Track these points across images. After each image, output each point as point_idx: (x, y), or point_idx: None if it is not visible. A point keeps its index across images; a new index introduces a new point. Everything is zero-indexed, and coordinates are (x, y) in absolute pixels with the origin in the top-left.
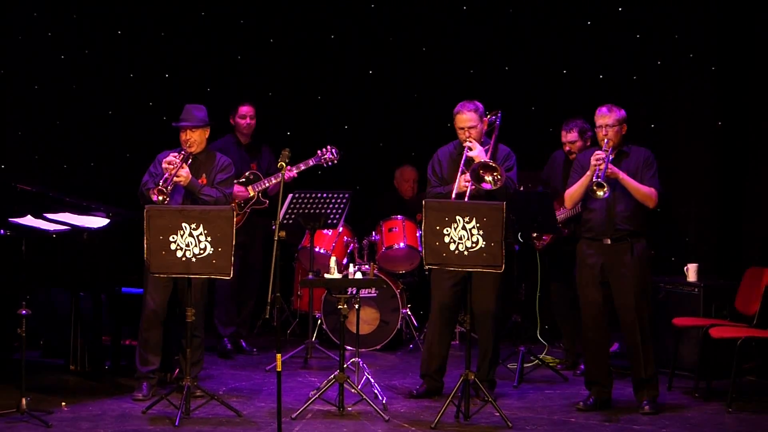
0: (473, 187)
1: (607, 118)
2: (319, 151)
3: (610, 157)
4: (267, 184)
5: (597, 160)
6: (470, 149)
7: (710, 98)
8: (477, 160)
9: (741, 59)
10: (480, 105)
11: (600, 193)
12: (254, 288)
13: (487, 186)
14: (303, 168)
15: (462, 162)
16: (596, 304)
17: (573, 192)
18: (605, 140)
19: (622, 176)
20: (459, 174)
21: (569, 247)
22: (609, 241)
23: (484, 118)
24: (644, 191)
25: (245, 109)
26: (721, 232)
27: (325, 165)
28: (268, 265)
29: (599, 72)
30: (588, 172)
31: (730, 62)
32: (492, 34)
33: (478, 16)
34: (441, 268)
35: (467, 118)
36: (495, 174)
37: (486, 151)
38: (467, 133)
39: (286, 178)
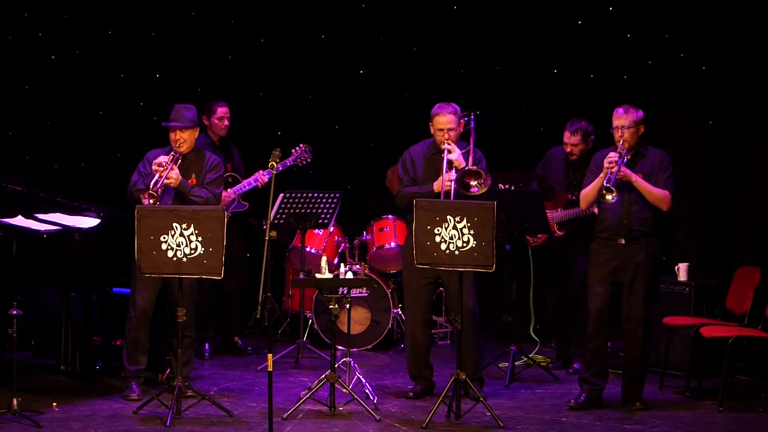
0: (456, 187)
1: (623, 119)
2: (293, 150)
3: (626, 159)
4: (247, 188)
5: (609, 163)
6: (450, 152)
7: (701, 98)
8: (456, 164)
9: (732, 59)
10: (457, 107)
11: (609, 197)
12: (238, 287)
13: (474, 190)
14: (281, 169)
15: (444, 166)
16: (601, 303)
17: (587, 192)
18: (621, 142)
19: (635, 179)
20: (444, 172)
21: (562, 248)
22: (623, 241)
23: (462, 120)
24: (657, 194)
25: (224, 110)
26: (712, 232)
27: (300, 164)
28: (254, 265)
29: (590, 71)
30: (601, 174)
31: (721, 62)
32: (482, 33)
33: (469, 15)
34: (412, 268)
35: (447, 120)
36: (479, 179)
37: (465, 154)
38: (446, 135)
39: (259, 184)
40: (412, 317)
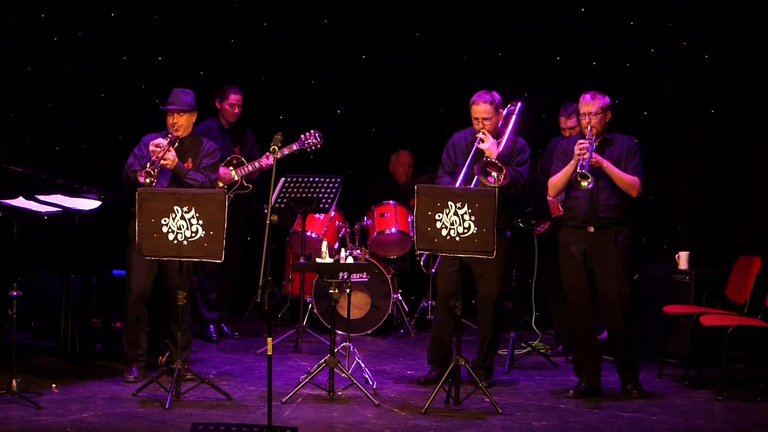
0: (477, 173)
1: (590, 105)
2: (302, 135)
3: (594, 146)
4: (250, 169)
5: (581, 149)
6: (482, 141)
7: (703, 86)
8: (488, 154)
9: (734, 47)
10: (497, 96)
11: (584, 183)
12: (234, 272)
13: (491, 180)
14: (287, 153)
15: (471, 153)
16: (582, 291)
17: (556, 181)
18: (588, 128)
19: (606, 165)
20: (470, 159)
21: None
22: (592, 229)
23: (501, 110)
24: (627, 180)
25: (236, 98)
26: (712, 221)
27: (308, 150)
28: (254, 249)
29: (592, 59)
30: (572, 161)
31: (723, 50)
32: (485, 20)
33: (472, 2)
34: (447, 256)
35: (482, 109)
36: (500, 174)
37: (498, 144)
38: (481, 124)
39: (264, 165)
40: (439, 304)
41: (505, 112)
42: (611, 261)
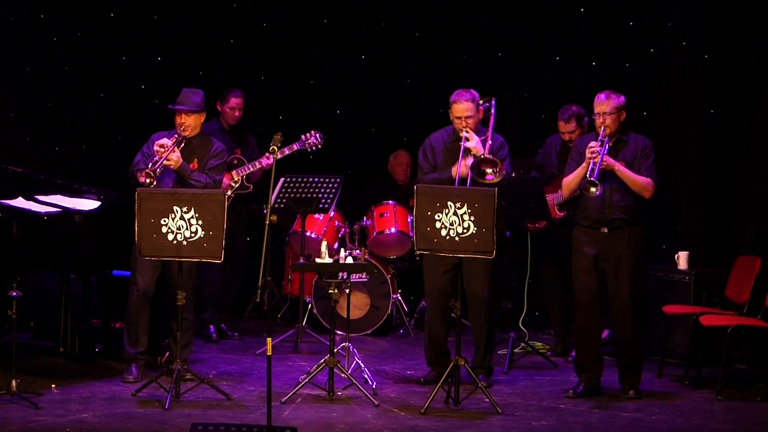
0: (472, 174)
1: (604, 105)
2: (303, 136)
3: (607, 147)
4: (251, 169)
5: (591, 153)
6: (467, 140)
7: (703, 86)
8: (474, 152)
9: (734, 47)
10: (476, 93)
11: (593, 190)
12: (238, 273)
13: (489, 178)
14: (287, 152)
15: (461, 153)
16: (590, 292)
17: (570, 181)
18: (602, 128)
19: (618, 168)
20: (460, 159)
21: (563, 229)
22: (606, 230)
23: (480, 107)
24: (640, 182)
25: (237, 101)
26: (712, 221)
27: (309, 150)
28: (254, 249)
29: (592, 59)
30: (584, 164)
31: (723, 50)
32: (485, 19)
33: (471, 1)
34: (432, 256)
35: (464, 108)
36: (495, 167)
37: (483, 141)
38: (464, 123)
39: (264, 165)
40: (430, 304)
41: (482, 111)
42: (624, 263)
